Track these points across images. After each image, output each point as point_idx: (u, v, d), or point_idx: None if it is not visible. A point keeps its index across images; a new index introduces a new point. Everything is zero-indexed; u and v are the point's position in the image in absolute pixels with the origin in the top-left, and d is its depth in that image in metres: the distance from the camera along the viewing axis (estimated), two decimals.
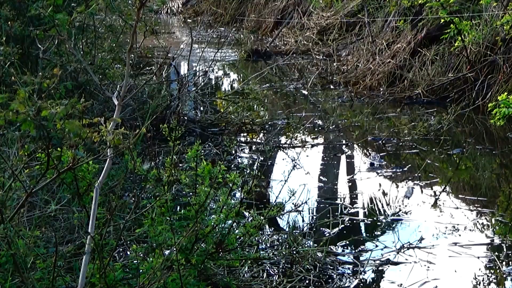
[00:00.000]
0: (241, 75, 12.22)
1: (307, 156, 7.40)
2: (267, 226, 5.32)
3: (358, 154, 7.45)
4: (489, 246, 5.12)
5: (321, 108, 9.66)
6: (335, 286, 4.46)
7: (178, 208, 4.99)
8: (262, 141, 7.80)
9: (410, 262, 4.82)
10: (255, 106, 8.71)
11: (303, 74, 11.67)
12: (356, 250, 5.05)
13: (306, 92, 10.46)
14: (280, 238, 5.08)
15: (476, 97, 9.16)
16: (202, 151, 6.26)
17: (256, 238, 4.74)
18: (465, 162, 7.23)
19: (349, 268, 4.74)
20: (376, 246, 5.11)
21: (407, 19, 11.03)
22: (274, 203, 4.58)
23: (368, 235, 5.35)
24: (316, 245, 4.94)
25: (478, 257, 4.91)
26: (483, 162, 7.33)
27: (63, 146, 3.09)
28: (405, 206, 5.94)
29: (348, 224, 5.54)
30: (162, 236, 3.77)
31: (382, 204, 5.99)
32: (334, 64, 11.99)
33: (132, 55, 7.27)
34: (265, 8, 16.85)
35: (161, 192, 3.75)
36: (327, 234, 5.22)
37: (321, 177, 6.79)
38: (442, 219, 5.63)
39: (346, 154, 7.57)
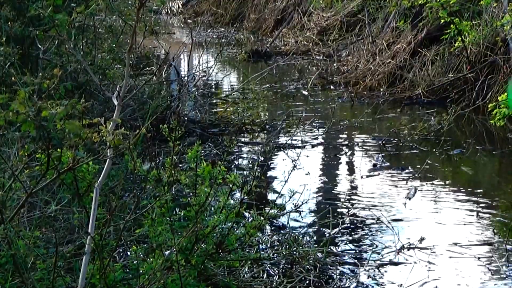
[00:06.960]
0: (241, 75, 12.21)
1: (307, 156, 7.40)
2: (267, 226, 5.31)
3: (358, 155, 7.45)
4: (489, 246, 5.11)
5: (321, 108, 9.66)
6: (335, 286, 4.46)
7: (178, 208, 4.98)
8: (263, 142, 7.80)
9: (410, 262, 4.82)
10: (255, 107, 8.70)
11: (303, 74, 11.66)
12: (356, 250, 5.05)
13: (306, 93, 10.46)
14: (280, 238, 5.07)
15: (476, 98, 9.15)
16: (202, 151, 6.26)
17: (256, 239, 4.74)
18: (465, 163, 7.23)
19: (349, 268, 4.74)
20: (376, 246, 5.11)
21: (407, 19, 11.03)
22: (274, 204, 4.57)
23: (368, 235, 5.35)
24: (316, 245, 4.94)
25: (478, 257, 4.91)
26: (483, 163, 7.33)
27: (63, 146, 3.09)
28: (405, 206, 5.93)
29: (348, 224, 5.54)
30: (162, 237, 3.77)
31: (382, 205, 5.99)
32: (334, 64, 11.98)
33: (132, 55, 7.27)
34: (265, 8, 16.83)
35: (161, 192, 3.75)
36: (328, 234, 5.22)
37: (321, 177, 6.79)
38: (442, 219, 5.63)
39: (347, 154, 7.57)
